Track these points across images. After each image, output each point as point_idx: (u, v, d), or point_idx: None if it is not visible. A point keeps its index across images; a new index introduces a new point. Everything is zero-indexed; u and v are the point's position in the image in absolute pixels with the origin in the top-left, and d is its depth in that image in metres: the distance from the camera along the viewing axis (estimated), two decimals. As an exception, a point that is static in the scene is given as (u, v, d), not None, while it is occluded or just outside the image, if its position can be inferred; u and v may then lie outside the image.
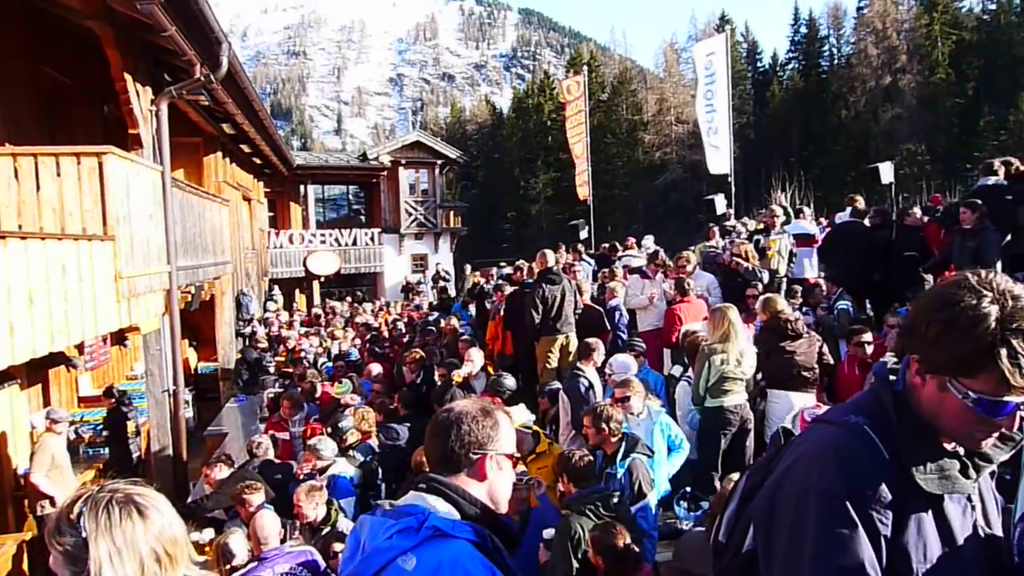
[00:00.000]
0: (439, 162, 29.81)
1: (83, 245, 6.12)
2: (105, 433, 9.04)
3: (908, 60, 50.62)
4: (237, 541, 4.32)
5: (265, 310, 19.25)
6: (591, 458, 4.36)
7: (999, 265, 6.53)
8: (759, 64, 64.96)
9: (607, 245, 12.92)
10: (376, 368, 8.77)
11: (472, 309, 11.60)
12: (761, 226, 9.93)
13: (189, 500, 6.47)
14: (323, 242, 26.58)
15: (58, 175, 6.40)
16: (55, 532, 1.42)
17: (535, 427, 5.68)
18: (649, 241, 13.84)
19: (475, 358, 7.42)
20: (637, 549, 3.63)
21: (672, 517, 5.07)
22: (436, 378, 7.96)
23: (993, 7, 53.16)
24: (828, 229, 9.92)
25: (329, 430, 6.61)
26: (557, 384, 6.68)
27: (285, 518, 4.73)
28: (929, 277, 7.61)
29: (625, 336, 7.93)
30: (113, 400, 9.09)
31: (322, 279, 26.86)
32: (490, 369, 8.27)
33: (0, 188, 6.15)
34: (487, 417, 1.78)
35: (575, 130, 19.33)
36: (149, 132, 8.37)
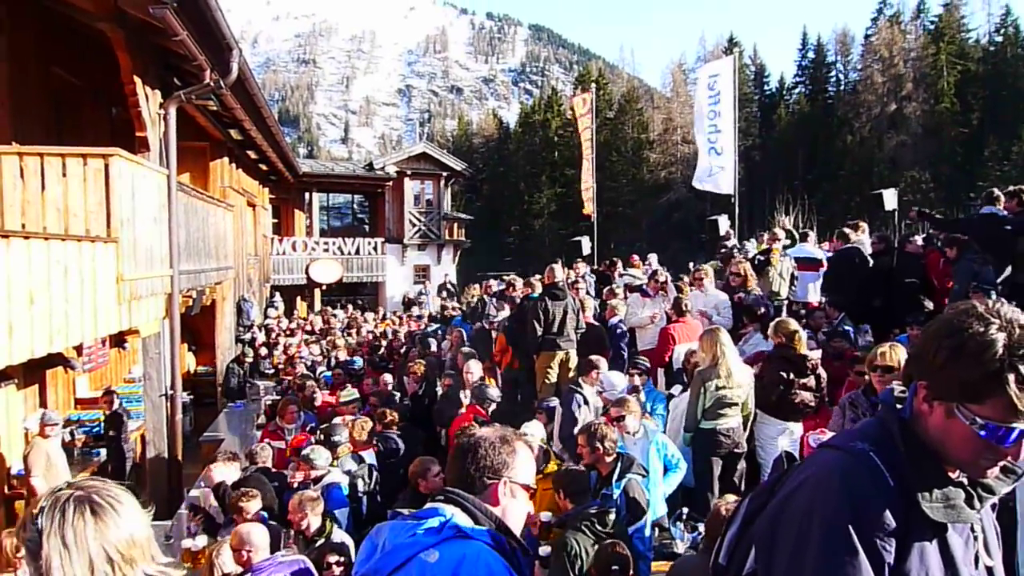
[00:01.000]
0: (445, 174, 29.92)
1: (86, 246, 6.12)
2: (112, 433, 9.00)
3: (914, 88, 50.88)
4: (258, 530, 4.25)
5: (266, 316, 19.24)
6: (586, 473, 4.34)
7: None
8: (766, 87, 65.25)
9: (607, 262, 12.92)
10: (388, 379, 8.74)
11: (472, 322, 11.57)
12: (763, 248, 9.92)
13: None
14: (326, 250, 26.62)
15: (64, 175, 6.41)
16: (21, 527, 1.43)
17: (546, 445, 5.64)
18: (654, 259, 13.85)
19: (474, 370, 7.39)
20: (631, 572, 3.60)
21: (668, 538, 5.02)
22: (440, 390, 7.95)
23: (1000, 39, 53.55)
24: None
25: (321, 438, 6.58)
26: (555, 401, 6.65)
27: (282, 527, 4.69)
28: (929, 303, 7.62)
29: (626, 354, 7.91)
30: (112, 401, 9.07)
31: (324, 287, 26.86)
32: (492, 382, 8.24)
33: (5, 187, 6.16)
34: (505, 444, 1.85)
35: (582, 146, 19.43)
36: (156, 135, 8.40)
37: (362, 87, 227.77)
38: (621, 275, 10.90)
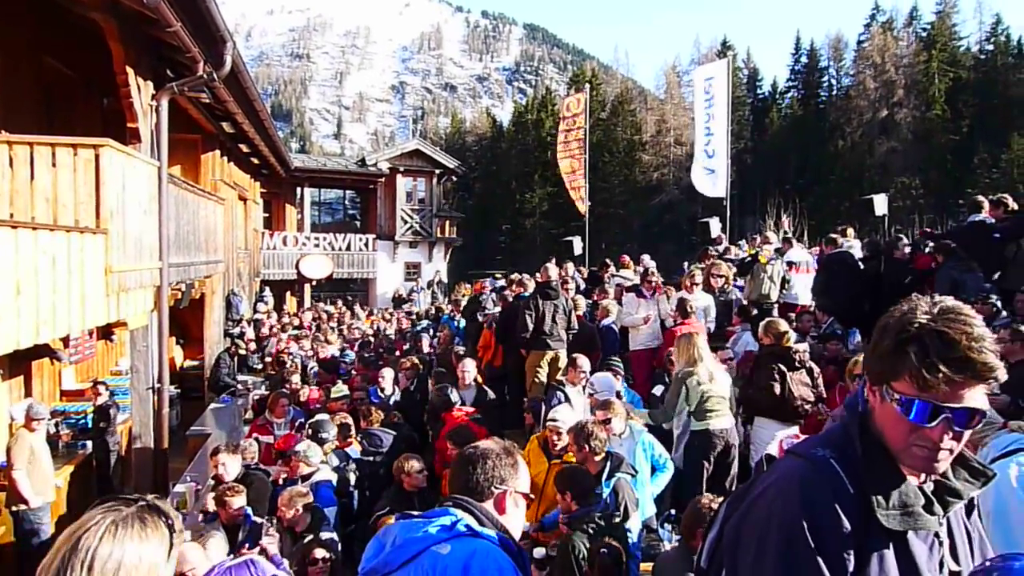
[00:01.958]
0: (437, 171, 29.88)
1: (75, 237, 6.07)
2: (102, 425, 8.93)
3: (905, 95, 51.19)
4: (192, 549, 4.04)
5: (255, 311, 19.15)
6: (590, 473, 4.32)
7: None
8: (759, 91, 65.46)
9: (601, 262, 12.94)
10: (388, 373, 8.66)
11: (462, 320, 11.56)
12: (753, 251, 9.97)
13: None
14: (317, 245, 26.53)
15: (53, 165, 6.35)
16: None
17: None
18: (648, 261, 13.88)
19: (469, 368, 7.37)
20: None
21: (656, 540, 5.03)
22: (430, 386, 7.92)
23: (991, 48, 53.93)
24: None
25: (310, 433, 6.56)
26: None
27: (270, 523, 4.67)
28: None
29: (612, 355, 7.92)
30: (100, 393, 9.01)
31: (314, 283, 26.78)
32: (479, 379, 8.23)
33: (-6, 175, 6.10)
34: (509, 456, 1.99)
35: (570, 145, 19.42)
36: (148, 127, 8.33)
37: (356, 83, 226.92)
38: (612, 276, 10.91)
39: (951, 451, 1.34)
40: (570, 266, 12.28)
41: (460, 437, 5.24)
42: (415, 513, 1.90)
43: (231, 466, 5.34)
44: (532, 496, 2.05)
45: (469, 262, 45.57)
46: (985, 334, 1.29)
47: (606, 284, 10.41)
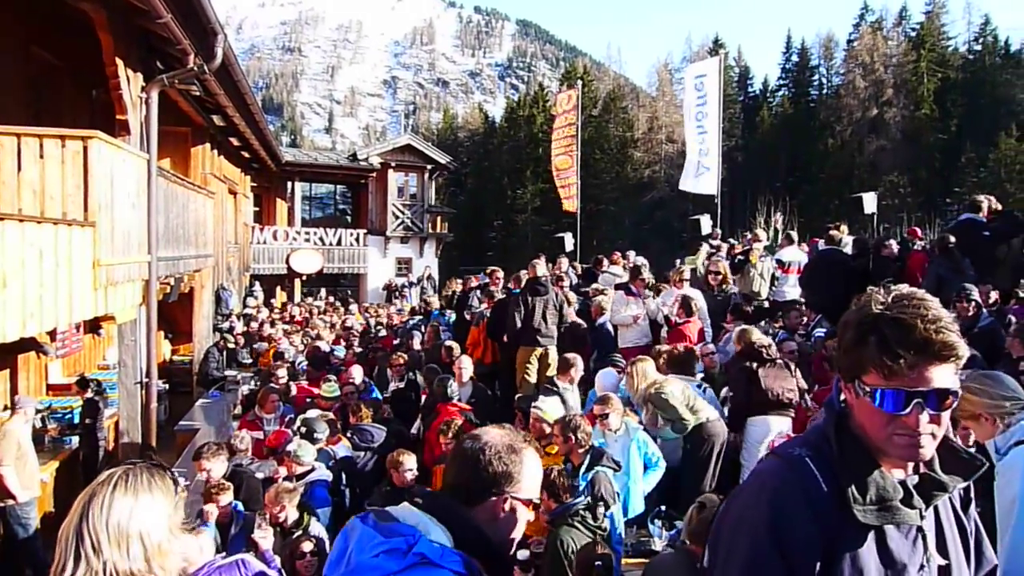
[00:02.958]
0: (429, 167, 29.79)
1: (62, 230, 6.01)
2: (87, 421, 8.86)
3: (894, 94, 51.49)
4: (189, 539, 4.11)
5: (245, 306, 19.06)
6: (565, 471, 4.36)
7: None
8: (750, 89, 65.68)
9: (595, 259, 12.94)
10: (357, 371, 8.65)
11: (451, 316, 11.54)
12: (745, 248, 10.01)
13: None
14: (307, 240, 26.42)
15: (41, 157, 6.29)
16: None
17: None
18: (636, 258, 13.89)
19: (466, 365, 7.33)
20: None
21: (646, 535, 5.05)
22: (421, 382, 7.89)
23: (979, 48, 54.35)
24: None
25: (302, 431, 6.52)
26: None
27: (262, 518, 4.65)
28: None
29: (611, 353, 7.92)
30: (89, 390, 8.93)
31: (304, 277, 26.67)
32: (474, 378, 8.22)
33: (-20, 167, 6.03)
34: (512, 454, 1.65)
35: (563, 142, 19.42)
36: (137, 119, 8.26)
37: (347, 77, 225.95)
38: (603, 272, 10.92)
39: (933, 435, 1.33)
40: (564, 261, 12.28)
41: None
42: (377, 514, 1.64)
43: (216, 469, 5.27)
44: (537, 502, 1.73)
45: (461, 258, 45.51)
46: (941, 315, 1.29)
47: (599, 282, 10.41)
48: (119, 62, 7.61)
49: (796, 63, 62.05)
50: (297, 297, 25.61)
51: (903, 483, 1.38)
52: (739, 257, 9.39)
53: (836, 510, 1.34)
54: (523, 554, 4.05)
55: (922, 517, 1.37)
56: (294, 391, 8.88)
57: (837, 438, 1.42)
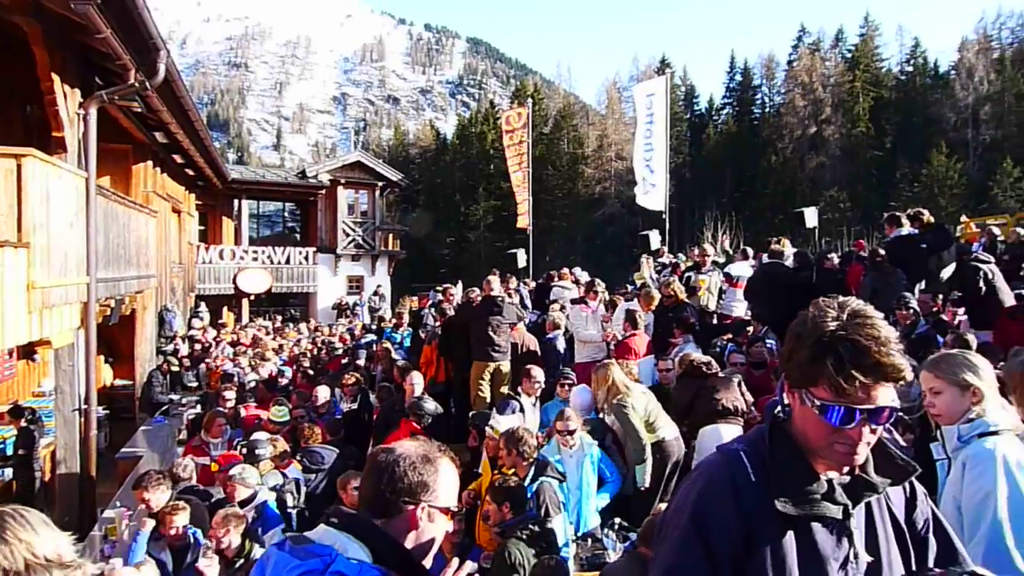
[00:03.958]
0: (380, 184, 29.60)
1: (-7, 251, 5.76)
2: (21, 452, 8.44)
3: (832, 112, 53.52)
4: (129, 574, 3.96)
5: (190, 327, 18.53)
6: (524, 485, 4.38)
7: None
8: (696, 107, 67.39)
9: (548, 274, 13.03)
10: (323, 391, 8.46)
11: (405, 334, 11.44)
12: (694, 262, 10.21)
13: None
14: (255, 259, 25.89)
15: (-30, 176, 6.03)
16: None
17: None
18: (580, 273, 14.07)
19: (417, 382, 7.27)
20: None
21: (600, 548, 5.06)
22: (374, 402, 7.76)
23: (911, 69, 56.97)
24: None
25: (245, 452, 6.36)
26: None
27: (207, 547, 4.51)
28: None
29: (563, 368, 7.96)
30: (24, 420, 8.53)
31: (252, 297, 26.09)
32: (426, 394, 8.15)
33: (-96, 186, 5.74)
34: (427, 464, 1.66)
35: (515, 159, 19.58)
36: (75, 136, 8.00)
37: (296, 93, 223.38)
38: (551, 288, 11.00)
39: (869, 443, 1.40)
40: (513, 280, 12.33)
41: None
42: (294, 538, 1.62)
43: (156, 500, 5.09)
44: (455, 510, 1.73)
45: (413, 275, 45.24)
46: (891, 336, 1.36)
47: (551, 296, 10.48)
48: (55, 78, 7.38)
49: (739, 83, 63.97)
50: (245, 318, 25.01)
51: (830, 481, 1.44)
52: (688, 273, 9.58)
53: (761, 501, 1.41)
54: (471, 566, 4.03)
55: (848, 515, 1.42)
56: (243, 414, 8.66)
57: (771, 436, 1.49)
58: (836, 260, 8.63)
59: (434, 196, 63.92)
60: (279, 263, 26.36)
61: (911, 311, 6.59)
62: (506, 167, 20.77)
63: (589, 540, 5.04)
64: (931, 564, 1.53)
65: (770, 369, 6.84)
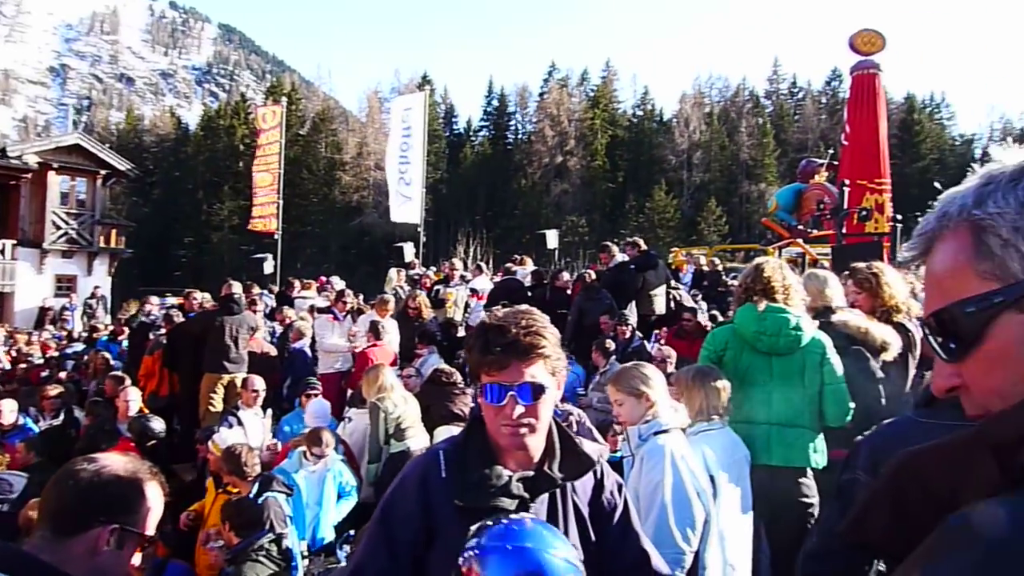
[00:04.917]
0: (103, 172, 26.18)
1: None
2: None
3: (576, 145, 58.86)
4: None
5: None
6: (254, 503, 4.19)
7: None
8: (455, 126, 69.66)
9: (288, 281, 12.54)
10: (8, 405, 7.12)
11: (124, 342, 10.24)
12: (443, 276, 10.53)
13: None
14: (-70, 249, 21.34)
15: None
16: None
17: None
18: (337, 281, 13.81)
19: (133, 397, 6.52)
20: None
21: (334, 562, 4.99)
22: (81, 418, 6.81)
23: (641, 114, 64.77)
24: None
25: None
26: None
27: None
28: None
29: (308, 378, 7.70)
30: None
31: (-77, 295, 21.45)
32: (145, 410, 7.35)
33: None
34: (131, 482, 1.48)
35: (265, 159, 18.65)
36: None
37: (0, 58, 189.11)
38: (296, 296, 10.64)
39: (531, 426, 1.54)
40: (256, 287, 11.69)
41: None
42: None
43: None
44: (150, 536, 1.52)
45: (143, 277, 40.66)
46: (536, 323, 1.55)
47: (295, 305, 10.10)
48: None
49: (496, 108, 67.50)
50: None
51: (511, 476, 1.57)
52: (437, 287, 9.85)
53: (446, 497, 1.53)
54: None
55: (526, 508, 1.55)
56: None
57: (466, 434, 1.64)
58: (567, 279, 9.47)
59: (172, 191, 58.23)
60: (-36, 256, 22.02)
61: (628, 327, 7.49)
62: (248, 165, 19.70)
63: (323, 555, 4.95)
64: (611, 542, 1.70)
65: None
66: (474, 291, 10.14)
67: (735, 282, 5.69)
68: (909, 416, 2.00)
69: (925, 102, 61.76)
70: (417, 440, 5.67)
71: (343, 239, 55.31)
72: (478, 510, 1.48)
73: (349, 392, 7.58)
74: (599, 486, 1.72)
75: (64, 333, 15.50)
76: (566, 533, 1.61)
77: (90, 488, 1.42)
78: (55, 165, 24.62)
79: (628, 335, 7.45)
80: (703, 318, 8.18)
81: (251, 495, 4.26)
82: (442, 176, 58.28)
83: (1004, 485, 0.69)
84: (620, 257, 8.71)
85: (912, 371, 3.86)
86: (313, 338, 8.46)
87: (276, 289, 13.20)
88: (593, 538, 1.69)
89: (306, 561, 4.64)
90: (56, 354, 12.03)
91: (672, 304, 8.36)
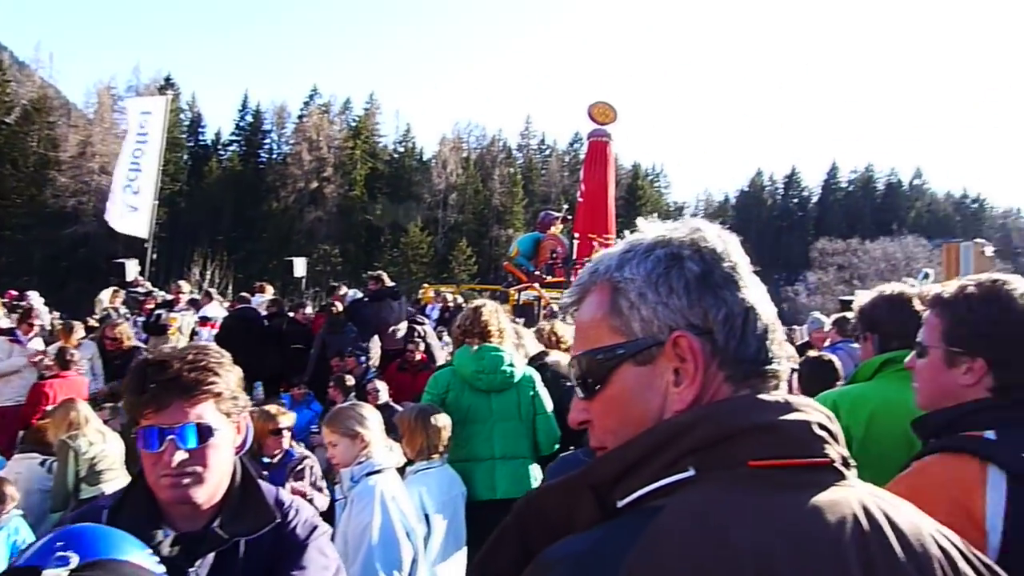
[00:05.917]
0: None
1: None
2: None
3: (334, 172, 57.82)
4: None
5: None
6: None
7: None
8: (201, 137, 64.18)
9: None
10: None
11: None
12: (165, 301, 9.62)
13: None
14: None
15: None
16: None
17: None
18: (35, 298, 11.96)
19: None
20: None
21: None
22: None
23: (402, 150, 65.67)
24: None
25: None
26: None
27: None
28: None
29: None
30: None
31: None
32: None
33: None
34: None
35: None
36: None
37: None
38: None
39: (196, 476, 1.38)
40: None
41: None
42: None
43: None
44: None
45: None
46: (204, 357, 1.42)
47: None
48: None
49: (250, 124, 63.76)
50: None
51: (167, 536, 1.39)
52: (159, 312, 8.94)
53: None
54: None
55: (183, 574, 1.38)
56: None
57: (128, 487, 1.46)
58: (309, 310, 9.20)
59: None
60: None
61: (362, 360, 7.47)
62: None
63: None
64: None
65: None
66: (205, 319, 9.37)
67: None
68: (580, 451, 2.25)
69: (648, 171, 71.88)
70: (115, 484, 5.06)
71: (52, 248, 47.81)
72: None
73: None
74: (285, 539, 1.55)
75: None
76: None
77: None
78: None
79: (363, 367, 7.42)
80: (442, 353, 8.43)
81: None
82: (181, 189, 53.40)
83: (600, 520, 0.78)
84: (352, 294, 8.76)
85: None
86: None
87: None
88: None
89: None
90: None
91: (416, 339, 8.50)
